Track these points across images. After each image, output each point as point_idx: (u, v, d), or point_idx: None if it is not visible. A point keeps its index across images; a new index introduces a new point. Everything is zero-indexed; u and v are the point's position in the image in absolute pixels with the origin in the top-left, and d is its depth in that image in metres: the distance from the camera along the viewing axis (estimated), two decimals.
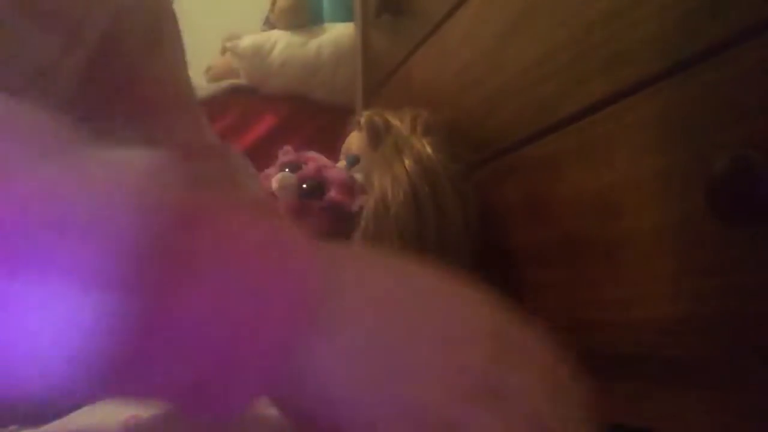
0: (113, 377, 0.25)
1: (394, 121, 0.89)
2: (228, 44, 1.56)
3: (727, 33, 0.45)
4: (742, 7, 0.44)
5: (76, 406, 0.61)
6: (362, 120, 0.95)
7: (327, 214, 0.82)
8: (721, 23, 0.45)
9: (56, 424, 0.59)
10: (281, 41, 1.50)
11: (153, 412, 0.58)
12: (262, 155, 1.35)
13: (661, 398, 0.53)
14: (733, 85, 0.44)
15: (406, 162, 0.78)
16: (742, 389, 0.45)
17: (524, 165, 0.73)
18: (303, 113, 1.52)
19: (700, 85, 0.47)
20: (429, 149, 0.80)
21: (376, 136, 0.90)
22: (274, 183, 0.82)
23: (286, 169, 0.86)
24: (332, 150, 1.00)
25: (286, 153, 0.94)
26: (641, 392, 0.55)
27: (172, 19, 0.57)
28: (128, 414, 0.58)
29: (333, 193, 0.83)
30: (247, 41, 1.51)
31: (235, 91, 1.51)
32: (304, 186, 0.83)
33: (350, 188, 0.85)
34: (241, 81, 1.53)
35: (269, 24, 1.66)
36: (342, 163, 0.90)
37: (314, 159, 0.90)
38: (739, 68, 0.44)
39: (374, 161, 0.84)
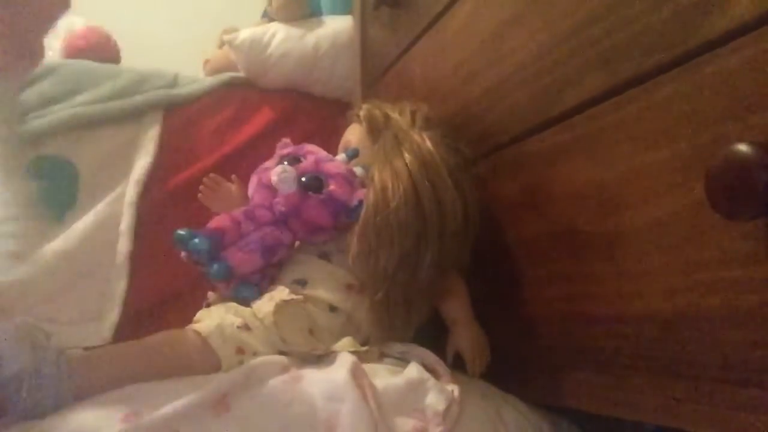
0: None
1: (394, 115, 0.89)
2: (226, 37, 1.55)
3: (726, 27, 0.45)
4: (740, 1, 0.44)
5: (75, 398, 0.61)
6: (361, 113, 0.94)
7: (326, 208, 0.82)
8: (719, 17, 0.45)
9: (55, 418, 0.59)
10: (279, 34, 1.49)
11: (151, 408, 0.59)
12: (260, 148, 1.35)
13: (658, 392, 0.53)
14: (732, 78, 0.44)
15: (406, 156, 0.78)
16: (742, 383, 0.45)
17: (523, 159, 0.73)
18: (301, 106, 1.51)
19: (699, 79, 0.47)
20: (429, 143, 0.79)
21: (376, 129, 0.90)
22: (273, 176, 0.82)
23: (285, 162, 0.86)
24: (331, 143, 0.99)
25: (285, 146, 0.93)
26: (641, 386, 0.55)
27: None
28: (127, 411, 0.58)
29: (332, 187, 0.83)
30: (245, 34, 1.50)
31: (233, 85, 1.50)
32: (303, 179, 0.83)
33: (350, 182, 0.85)
34: (240, 74, 1.52)
35: (268, 17, 1.65)
36: (341, 156, 0.90)
37: (313, 152, 0.89)
38: (737, 62, 0.44)
39: (374, 155, 0.84)
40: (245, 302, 0.78)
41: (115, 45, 1.78)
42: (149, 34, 2.15)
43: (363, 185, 0.84)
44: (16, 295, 1.17)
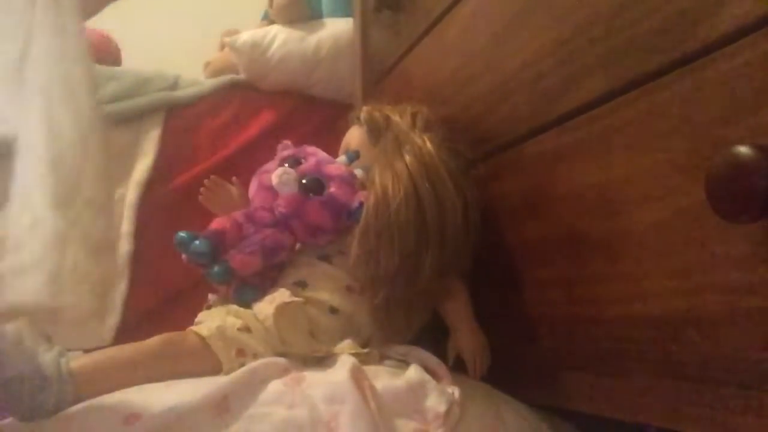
0: None
1: (394, 117, 0.89)
2: (227, 39, 1.55)
3: (726, 29, 0.45)
4: (739, 4, 0.44)
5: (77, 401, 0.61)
6: (362, 115, 0.94)
7: (327, 210, 0.82)
8: (719, 20, 0.45)
9: (56, 419, 0.59)
10: (280, 36, 1.49)
11: (152, 410, 0.59)
12: (261, 150, 1.35)
13: (659, 394, 0.53)
14: (731, 80, 0.44)
15: (407, 158, 0.78)
16: (743, 385, 0.45)
17: (524, 161, 0.73)
18: (302, 108, 1.51)
19: (699, 81, 0.47)
20: (429, 145, 0.80)
21: (377, 131, 0.90)
22: (274, 178, 0.82)
23: (286, 164, 0.86)
24: (331, 145, 1.00)
25: (286, 148, 0.93)
26: (641, 388, 0.55)
27: None
28: (128, 412, 0.58)
29: (333, 189, 0.83)
30: (245, 36, 1.50)
31: (234, 87, 1.50)
32: (304, 181, 0.83)
33: (350, 183, 0.85)
34: (240, 76, 1.52)
35: (268, 19, 1.65)
36: (342, 159, 0.90)
37: (314, 154, 0.89)
38: (737, 64, 0.44)
39: (375, 157, 0.84)
40: (246, 304, 0.79)
41: (116, 47, 1.78)
42: (150, 36, 2.15)
43: (364, 187, 0.84)
44: None
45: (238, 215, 0.82)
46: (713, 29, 0.46)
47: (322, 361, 0.71)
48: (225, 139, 1.44)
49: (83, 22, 0.64)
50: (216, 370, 0.69)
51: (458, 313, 0.82)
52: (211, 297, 0.88)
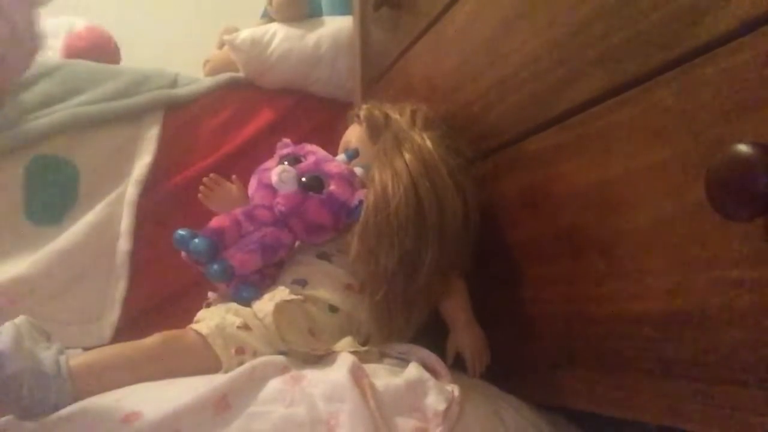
0: None
1: (394, 115, 0.89)
2: (226, 37, 1.55)
3: (726, 27, 0.45)
4: (739, 2, 0.44)
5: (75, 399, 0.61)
6: (362, 113, 0.94)
7: (326, 208, 0.82)
8: (720, 17, 0.45)
9: (55, 418, 0.59)
10: (279, 34, 1.49)
11: (152, 408, 0.59)
12: (260, 148, 1.35)
13: (658, 392, 0.53)
14: (731, 79, 0.44)
15: (407, 156, 0.78)
16: (741, 382, 0.45)
17: (523, 159, 0.73)
18: (301, 106, 1.51)
19: (700, 79, 0.47)
20: (429, 143, 0.80)
21: (376, 129, 0.90)
22: (274, 176, 0.82)
23: (285, 162, 0.86)
24: (331, 143, 1.00)
25: (285, 146, 0.93)
26: (641, 386, 0.55)
27: None
28: (127, 411, 0.58)
29: (333, 187, 0.83)
30: (245, 34, 1.50)
31: (233, 85, 1.50)
32: (304, 179, 0.83)
33: (350, 182, 0.85)
34: (240, 74, 1.52)
35: (267, 17, 1.65)
36: (341, 157, 0.90)
37: (313, 152, 0.89)
38: (737, 62, 0.44)
39: (374, 155, 0.84)
40: (245, 302, 0.79)
41: (116, 45, 1.78)
42: (149, 34, 2.15)
43: (363, 185, 0.84)
44: (16, 294, 1.17)
45: (238, 213, 0.82)
46: (713, 27, 0.46)
47: (322, 359, 0.71)
48: (224, 137, 1.44)
49: None
50: (215, 368, 0.69)
51: (457, 311, 0.82)
52: (210, 295, 0.88)
